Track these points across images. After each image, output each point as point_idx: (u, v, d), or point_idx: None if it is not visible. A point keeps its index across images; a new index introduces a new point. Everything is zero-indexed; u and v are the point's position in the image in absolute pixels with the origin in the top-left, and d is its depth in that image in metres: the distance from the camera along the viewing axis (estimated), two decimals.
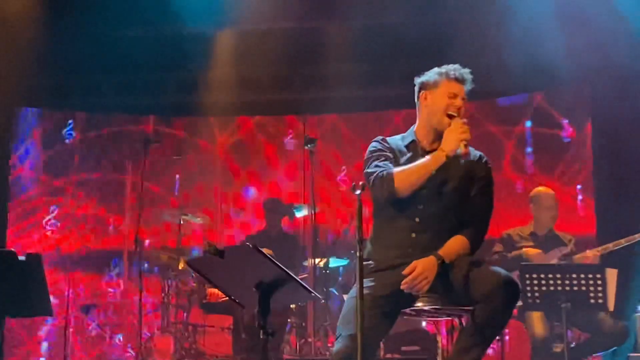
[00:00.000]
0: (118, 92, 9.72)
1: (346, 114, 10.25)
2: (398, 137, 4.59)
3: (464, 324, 4.38)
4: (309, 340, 7.90)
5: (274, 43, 9.13)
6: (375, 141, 4.56)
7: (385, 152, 4.46)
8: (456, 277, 4.21)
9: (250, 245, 3.66)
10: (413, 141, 4.49)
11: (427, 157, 4.31)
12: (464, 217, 4.38)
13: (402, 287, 4.15)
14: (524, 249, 6.88)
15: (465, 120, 4.35)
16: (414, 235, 4.34)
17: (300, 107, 10.03)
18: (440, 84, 4.45)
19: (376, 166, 4.36)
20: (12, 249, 4.94)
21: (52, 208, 9.97)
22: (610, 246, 6.69)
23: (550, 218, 7.12)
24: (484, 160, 4.51)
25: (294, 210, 8.84)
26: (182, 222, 8.73)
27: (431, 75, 4.51)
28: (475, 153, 4.51)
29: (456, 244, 4.31)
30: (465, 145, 4.27)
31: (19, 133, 9.78)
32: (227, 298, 7.25)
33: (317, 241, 8.17)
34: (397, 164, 4.40)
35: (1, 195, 9.11)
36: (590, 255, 6.69)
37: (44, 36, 8.48)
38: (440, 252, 4.24)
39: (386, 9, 8.75)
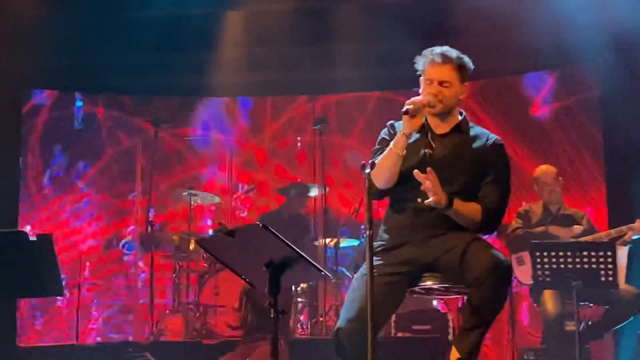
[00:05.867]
0: (125, 73, 9.64)
1: (355, 93, 10.18)
2: None
3: None
4: (320, 319, 7.93)
5: (284, 23, 9.08)
6: (385, 128, 4.50)
7: (388, 142, 4.34)
8: (453, 257, 4.16)
9: (260, 225, 3.66)
10: (422, 123, 4.36)
11: (391, 143, 4.23)
12: (475, 201, 4.29)
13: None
14: (550, 227, 6.82)
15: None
16: (416, 215, 4.29)
17: (310, 87, 10.02)
18: (425, 70, 4.38)
19: (372, 163, 4.30)
20: (23, 229, 4.96)
21: (63, 190, 9.97)
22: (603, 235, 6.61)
23: (551, 193, 7.05)
24: (500, 145, 4.40)
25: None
26: (193, 203, 8.73)
27: (419, 59, 4.42)
28: (490, 137, 4.40)
29: (469, 204, 4.23)
30: (429, 105, 4.24)
31: (29, 115, 9.75)
32: None
33: (328, 221, 8.17)
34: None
35: (13, 176, 9.09)
36: (604, 234, 6.65)
37: (49, 17, 8.46)
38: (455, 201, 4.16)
39: None
